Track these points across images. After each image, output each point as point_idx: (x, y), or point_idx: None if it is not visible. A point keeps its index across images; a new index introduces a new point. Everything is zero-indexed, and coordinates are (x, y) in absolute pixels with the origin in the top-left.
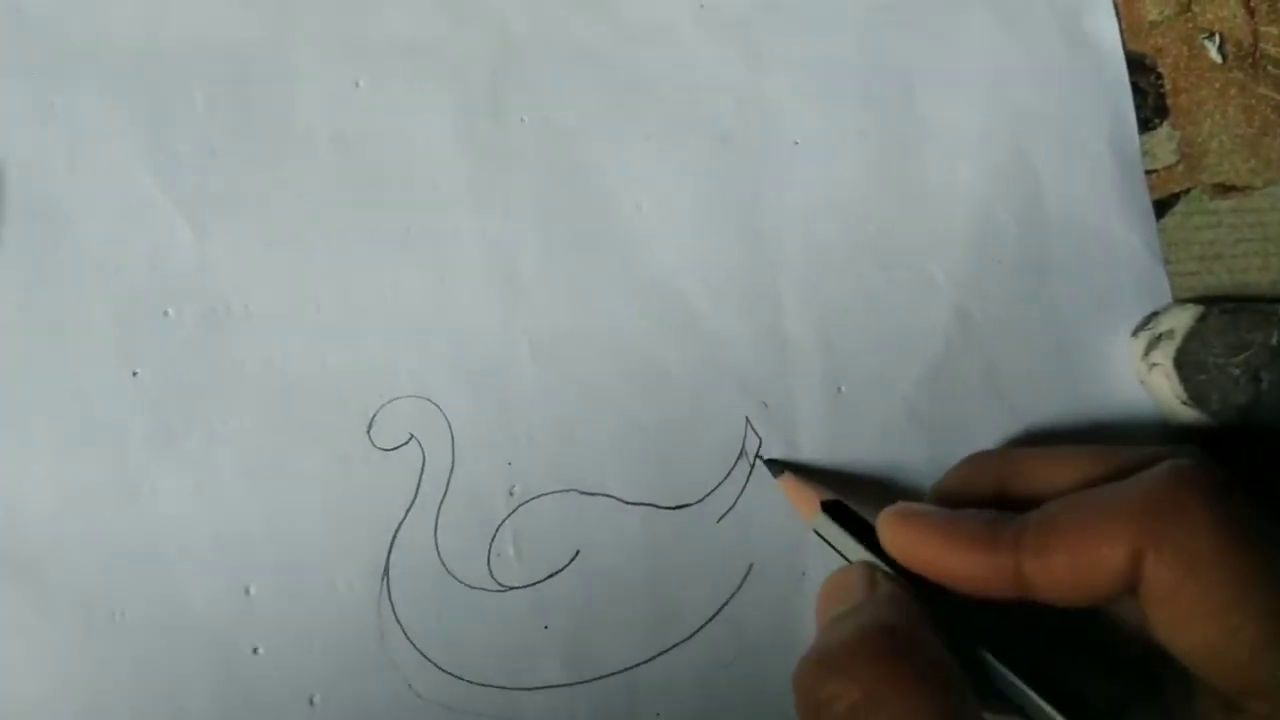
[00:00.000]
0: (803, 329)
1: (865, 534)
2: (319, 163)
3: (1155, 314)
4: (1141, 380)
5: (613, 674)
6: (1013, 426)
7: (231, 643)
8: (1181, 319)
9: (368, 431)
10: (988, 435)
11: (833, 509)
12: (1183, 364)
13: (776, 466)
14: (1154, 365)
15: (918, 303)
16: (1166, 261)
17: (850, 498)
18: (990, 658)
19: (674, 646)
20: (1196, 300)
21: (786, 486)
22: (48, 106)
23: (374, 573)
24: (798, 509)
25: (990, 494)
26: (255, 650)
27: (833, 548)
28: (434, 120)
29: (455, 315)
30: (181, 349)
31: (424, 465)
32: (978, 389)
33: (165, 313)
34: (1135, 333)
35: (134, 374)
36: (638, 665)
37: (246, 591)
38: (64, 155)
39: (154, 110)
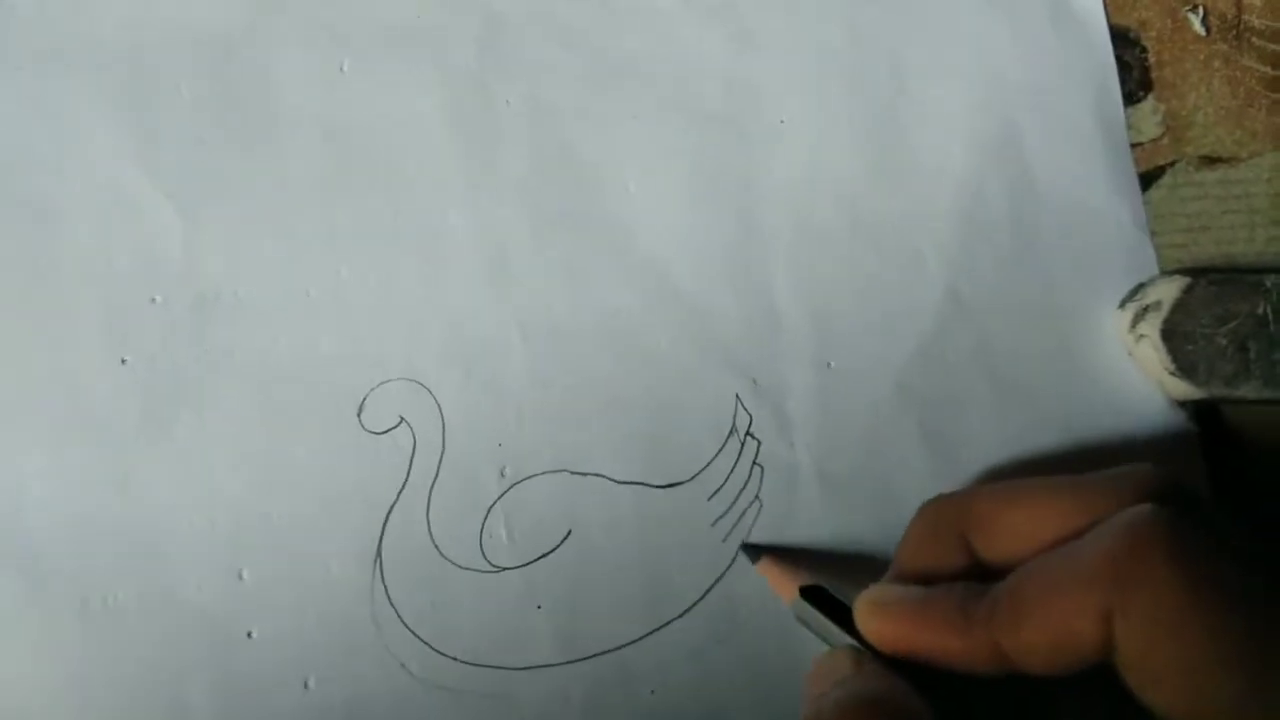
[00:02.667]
0: (792, 306)
1: (845, 616)
2: (306, 148)
3: (1142, 285)
4: (1130, 352)
5: (606, 652)
6: (1003, 401)
7: (225, 627)
8: (1168, 290)
9: (358, 415)
10: (978, 410)
11: (812, 594)
12: (1170, 335)
13: (754, 552)
14: (1141, 337)
15: (908, 279)
16: (1153, 233)
17: (841, 536)
18: None
19: (667, 624)
20: (1183, 272)
21: (765, 572)
22: (33, 99)
23: (367, 555)
24: (778, 593)
25: (954, 553)
26: (249, 634)
27: (814, 632)
28: (420, 103)
29: (444, 298)
30: (170, 336)
31: (415, 448)
32: (968, 364)
33: (153, 300)
34: (1122, 305)
35: (123, 361)
36: (631, 643)
37: (240, 576)
38: (50, 147)
39: (139, 100)
